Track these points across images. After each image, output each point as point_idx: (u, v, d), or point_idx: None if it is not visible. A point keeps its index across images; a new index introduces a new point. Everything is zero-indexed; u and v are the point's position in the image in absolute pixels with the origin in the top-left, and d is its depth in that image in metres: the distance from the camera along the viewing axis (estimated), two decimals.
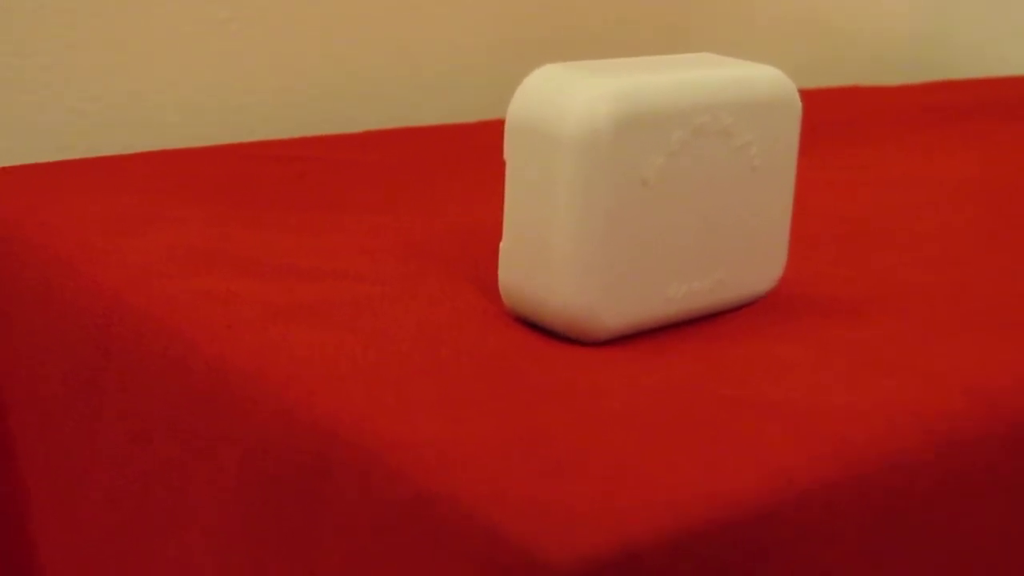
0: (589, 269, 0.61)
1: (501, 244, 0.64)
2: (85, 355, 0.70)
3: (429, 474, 0.49)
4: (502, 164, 0.63)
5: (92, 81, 1.03)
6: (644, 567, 0.45)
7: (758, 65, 0.67)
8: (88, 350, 0.69)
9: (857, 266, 0.76)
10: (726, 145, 0.64)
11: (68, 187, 0.86)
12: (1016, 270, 0.76)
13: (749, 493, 0.48)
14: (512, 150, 0.63)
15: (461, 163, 0.97)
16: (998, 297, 0.71)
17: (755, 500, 0.48)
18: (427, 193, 0.89)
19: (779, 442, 0.52)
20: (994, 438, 0.56)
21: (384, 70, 1.16)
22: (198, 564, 0.61)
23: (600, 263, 0.61)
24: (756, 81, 0.66)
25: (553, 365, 0.59)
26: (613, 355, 0.61)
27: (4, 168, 0.90)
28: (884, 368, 0.60)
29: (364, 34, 1.15)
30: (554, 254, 0.61)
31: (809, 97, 1.30)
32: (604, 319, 0.62)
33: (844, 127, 1.16)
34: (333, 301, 0.66)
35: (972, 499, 0.55)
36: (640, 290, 0.63)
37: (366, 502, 0.51)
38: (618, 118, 0.60)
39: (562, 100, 0.61)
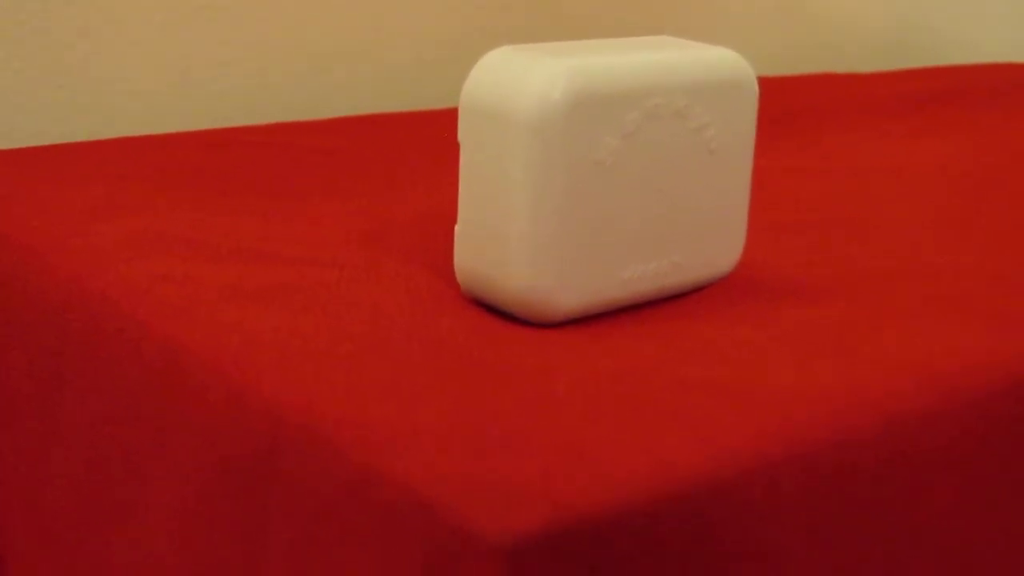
0: (543, 251, 0.61)
1: (456, 226, 0.64)
2: (46, 341, 0.70)
3: (372, 454, 0.49)
4: None
5: (61, 68, 1.03)
6: (582, 542, 0.45)
7: (715, 48, 0.67)
8: (48, 336, 0.69)
9: (819, 251, 0.76)
10: (682, 127, 0.64)
11: (33, 174, 0.86)
12: (979, 256, 0.76)
13: (691, 469, 0.48)
14: (466, 132, 0.63)
15: (425, 149, 0.97)
16: (957, 283, 0.71)
17: (697, 477, 0.48)
18: (391, 179, 0.89)
19: (725, 420, 0.52)
20: (942, 417, 0.57)
21: (352, 57, 1.16)
22: (156, 546, 0.61)
23: (554, 245, 0.61)
24: (712, 63, 0.66)
25: (505, 347, 0.60)
26: (567, 337, 0.61)
27: None
28: (835, 350, 0.61)
29: (333, 22, 1.15)
30: (508, 236, 0.61)
31: (782, 84, 1.30)
32: (558, 301, 0.62)
33: (817, 114, 1.17)
34: (290, 285, 0.66)
35: (919, 478, 0.55)
36: (595, 272, 0.63)
37: (313, 482, 0.51)
38: (571, 99, 0.60)
39: (516, 81, 0.61)
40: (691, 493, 0.48)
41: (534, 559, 0.44)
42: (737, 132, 0.67)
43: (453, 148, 0.97)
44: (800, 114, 1.16)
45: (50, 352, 0.69)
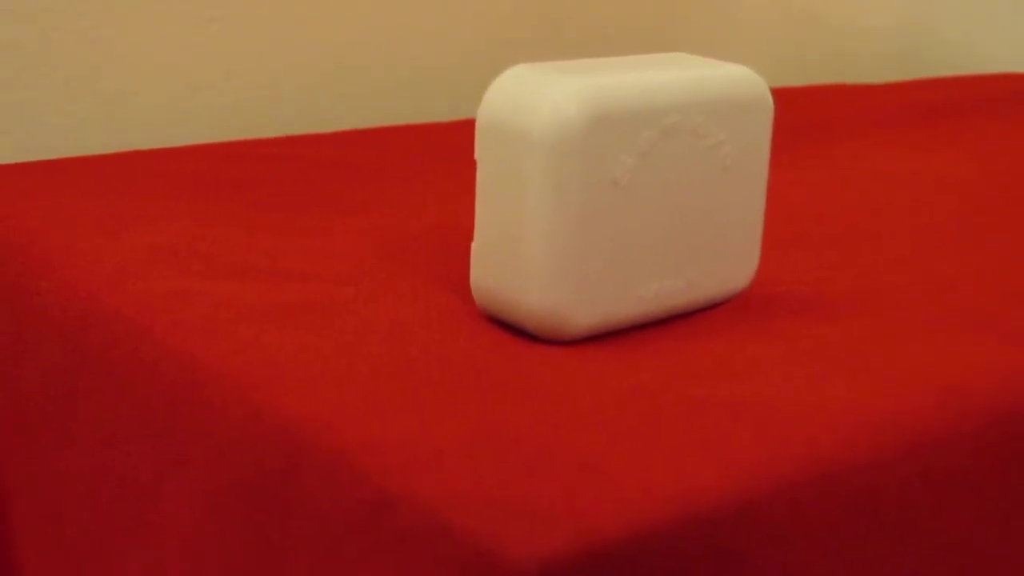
0: (560, 269, 0.61)
1: (472, 244, 0.64)
2: (61, 357, 0.70)
3: (393, 475, 0.49)
4: None
5: (74, 81, 1.03)
6: (606, 565, 0.45)
7: (730, 65, 0.67)
8: (64, 352, 0.70)
9: (833, 266, 0.76)
10: (697, 145, 0.65)
11: (49, 187, 0.86)
12: (993, 270, 0.76)
13: (714, 492, 0.48)
14: (483, 150, 0.63)
15: (442, 162, 0.97)
16: (974, 297, 0.71)
17: (720, 499, 0.48)
18: (406, 193, 0.89)
19: (746, 441, 0.52)
20: (965, 437, 0.57)
21: (367, 69, 1.17)
22: (170, 565, 0.61)
23: (571, 263, 0.61)
24: (727, 81, 0.66)
25: (523, 365, 0.60)
26: (583, 354, 0.61)
27: None
28: (855, 367, 0.61)
29: (347, 34, 1.15)
30: (525, 254, 0.61)
31: (792, 95, 1.30)
32: (575, 319, 0.62)
33: (827, 125, 1.17)
34: (307, 302, 0.66)
35: (940, 497, 0.55)
36: (611, 289, 0.63)
37: (332, 504, 0.51)
38: (587, 118, 0.60)
39: (532, 100, 0.61)
40: (714, 515, 0.48)
41: None
42: (752, 149, 0.67)
43: (469, 161, 0.97)
44: (811, 125, 1.16)
45: (66, 367, 0.69)
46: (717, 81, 0.65)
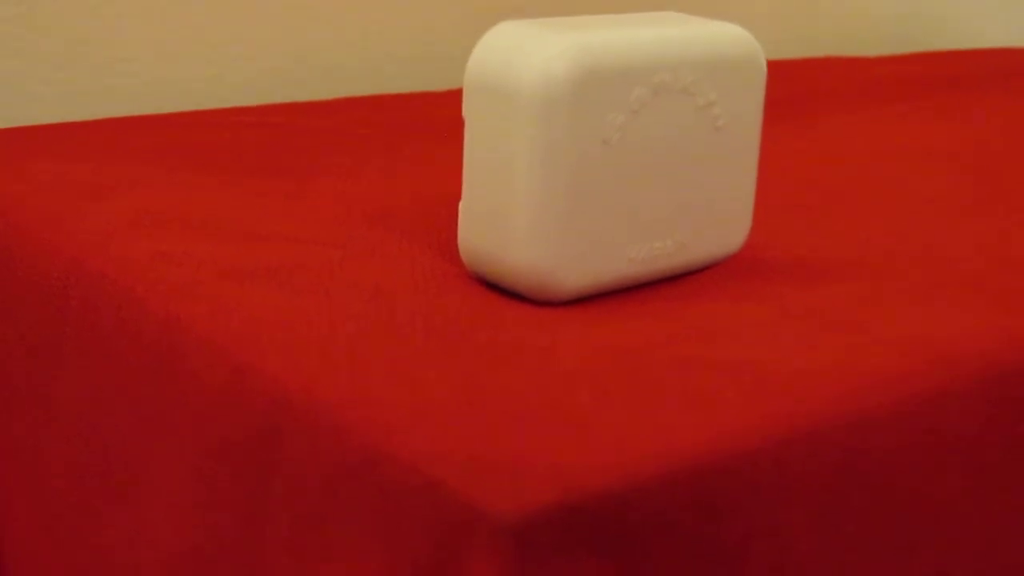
0: (549, 229, 0.60)
1: (460, 203, 0.63)
2: (43, 320, 0.69)
3: (375, 433, 0.48)
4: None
5: (59, 52, 1.02)
6: (588, 520, 0.44)
7: (721, 23, 0.66)
8: (46, 315, 0.69)
9: (826, 232, 0.75)
10: (688, 104, 0.64)
11: (32, 153, 0.85)
12: (985, 237, 0.75)
13: (698, 449, 0.48)
14: (471, 108, 0.62)
15: (429, 130, 0.96)
16: (964, 264, 0.70)
17: (704, 457, 0.48)
18: (395, 159, 0.88)
19: (732, 399, 0.51)
20: (954, 398, 0.56)
21: (356, 39, 1.16)
22: (156, 526, 0.61)
23: (560, 222, 0.60)
24: (718, 39, 0.65)
25: (511, 325, 0.59)
26: (572, 315, 0.60)
27: None
28: (844, 329, 0.60)
29: (336, 2, 1.14)
30: (513, 213, 0.61)
31: (786, 67, 1.29)
32: (564, 279, 0.61)
33: (820, 97, 1.16)
34: (292, 264, 0.65)
35: (929, 458, 0.54)
36: (601, 250, 0.62)
37: (316, 463, 0.50)
38: (576, 75, 0.59)
39: (520, 57, 0.60)
40: (699, 472, 0.47)
41: (542, 537, 0.43)
42: (744, 110, 0.66)
43: (457, 128, 0.96)
44: (805, 97, 1.16)
45: (48, 331, 0.69)
46: (708, 39, 0.64)
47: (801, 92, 1.17)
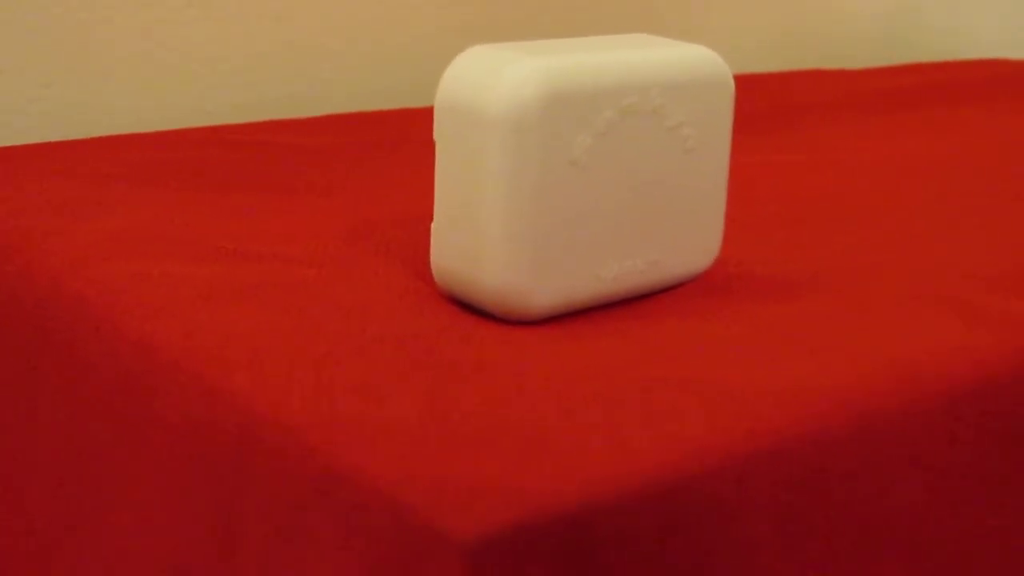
0: (518, 248, 0.61)
1: (432, 224, 0.64)
2: (24, 339, 0.70)
3: (340, 452, 0.49)
4: None
5: (46, 67, 1.03)
6: (547, 541, 0.45)
7: (690, 45, 0.67)
8: (26, 335, 0.70)
9: (799, 247, 0.76)
10: (657, 126, 0.64)
11: (14, 172, 0.86)
12: (959, 252, 0.76)
13: (658, 468, 0.48)
14: (441, 130, 0.63)
15: (410, 148, 0.97)
16: (935, 279, 0.71)
17: (665, 476, 0.48)
18: (374, 177, 0.89)
19: (694, 418, 0.52)
20: (918, 415, 0.57)
21: (340, 56, 1.16)
22: (130, 543, 0.61)
23: (529, 242, 0.61)
24: (687, 62, 0.66)
25: (479, 345, 0.60)
26: (542, 335, 0.61)
27: None
28: (813, 346, 0.61)
29: (320, 20, 1.15)
30: (483, 234, 0.61)
31: (771, 80, 1.30)
32: (534, 299, 0.62)
33: (804, 111, 1.17)
34: (268, 284, 0.66)
35: (891, 475, 0.55)
36: (571, 270, 0.63)
37: (282, 482, 0.51)
38: (544, 97, 0.60)
39: (489, 80, 0.61)
40: (659, 491, 0.48)
41: (498, 556, 0.44)
42: (713, 130, 0.67)
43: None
44: (788, 111, 1.16)
45: (28, 350, 0.70)
46: (677, 62, 0.65)
47: (783, 105, 1.18)
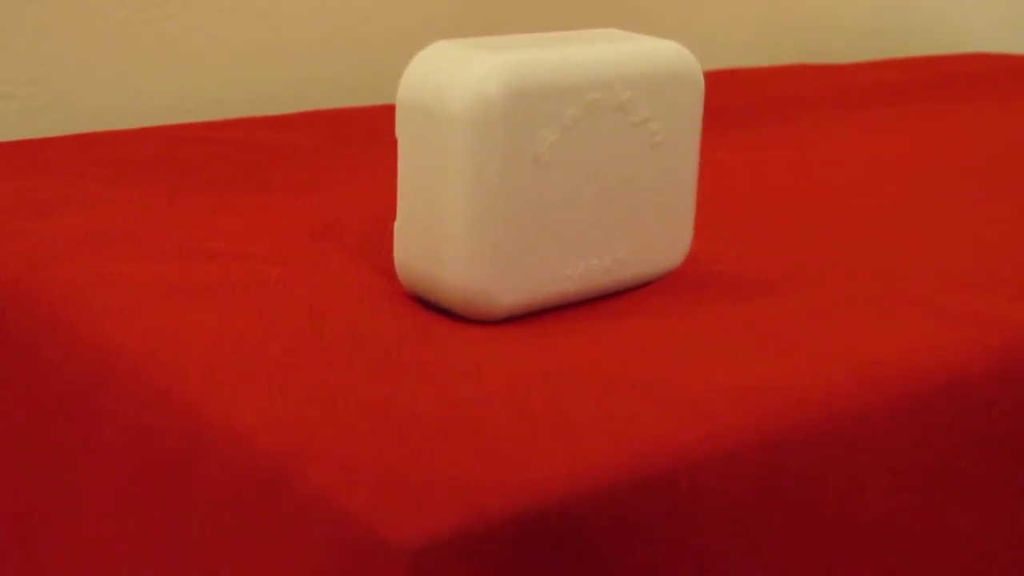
0: (481, 247, 0.60)
1: (395, 223, 0.63)
2: None
3: (287, 455, 0.48)
4: None
5: (24, 65, 1.02)
6: (494, 543, 0.44)
7: (657, 40, 0.66)
8: None
9: (773, 245, 0.75)
10: (623, 121, 0.64)
11: None
12: (931, 252, 0.75)
13: (610, 468, 0.48)
14: (403, 128, 0.62)
15: (378, 146, 0.96)
16: (906, 278, 0.70)
17: (617, 477, 0.47)
18: (346, 175, 0.88)
19: (650, 419, 0.51)
20: (876, 416, 0.56)
21: (315, 53, 1.16)
22: (87, 542, 0.61)
23: (492, 241, 0.60)
24: (654, 56, 0.65)
25: (441, 345, 0.59)
26: (506, 334, 0.60)
27: None
28: (778, 345, 0.60)
29: (299, 18, 1.14)
30: (446, 232, 0.61)
31: (754, 75, 1.29)
32: (498, 298, 0.61)
33: (787, 106, 1.16)
34: (229, 283, 0.66)
35: (852, 477, 0.54)
36: (536, 268, 0.62)
37: (231, 484, 0.50)
38: (507, 93, 0.59)
39: (451, 76, 0.60)
40: (611, 492, 0.47)
41: (441, 561, 0.43)
42: (682, 125, 0.66)
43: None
44: (770, 106, 1.16)
45: None
46: (643, 56, 0.64)
47: (769, 100, 1.17)
